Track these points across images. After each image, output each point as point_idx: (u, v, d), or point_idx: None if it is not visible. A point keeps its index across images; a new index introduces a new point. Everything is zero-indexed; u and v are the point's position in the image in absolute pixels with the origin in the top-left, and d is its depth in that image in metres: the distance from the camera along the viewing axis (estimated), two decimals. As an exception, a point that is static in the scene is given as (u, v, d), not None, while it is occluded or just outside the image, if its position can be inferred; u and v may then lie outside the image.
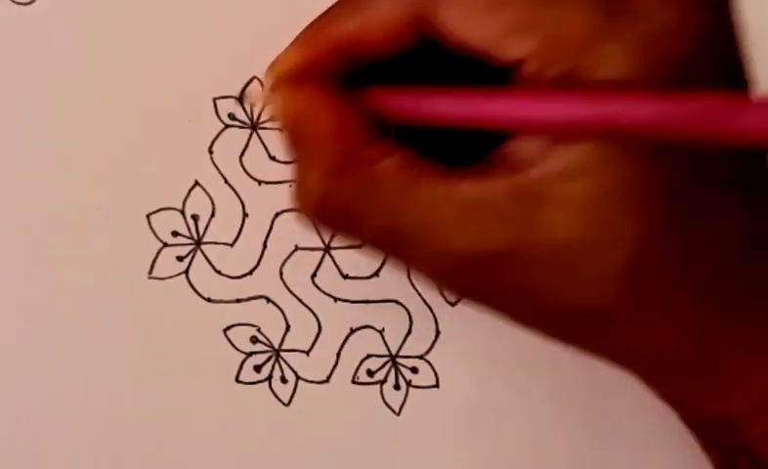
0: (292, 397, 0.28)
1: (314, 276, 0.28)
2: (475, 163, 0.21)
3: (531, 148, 0.20)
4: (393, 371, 0.28)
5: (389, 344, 0.28)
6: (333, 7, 0.23)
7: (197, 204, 0.28)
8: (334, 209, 0.22)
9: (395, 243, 0.22)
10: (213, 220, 0.28)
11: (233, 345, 0.28)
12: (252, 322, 0.28)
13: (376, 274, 0.28)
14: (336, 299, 0.28)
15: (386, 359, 0.28)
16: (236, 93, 0.28)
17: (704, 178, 0.20)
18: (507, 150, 0.20)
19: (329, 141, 0.22)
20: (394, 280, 0.28)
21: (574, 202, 0.19)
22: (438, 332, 0.28)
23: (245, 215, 0.28)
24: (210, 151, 0.28)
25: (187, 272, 0.28)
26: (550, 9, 0.19)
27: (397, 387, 0.28)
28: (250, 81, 0.28)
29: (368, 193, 0.21)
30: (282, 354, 0.28)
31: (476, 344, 0.28)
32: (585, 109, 0.19)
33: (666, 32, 0.19)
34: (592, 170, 0.19)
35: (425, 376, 0.28)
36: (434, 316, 0.28)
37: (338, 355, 0.28)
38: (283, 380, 0.28)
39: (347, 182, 0.22)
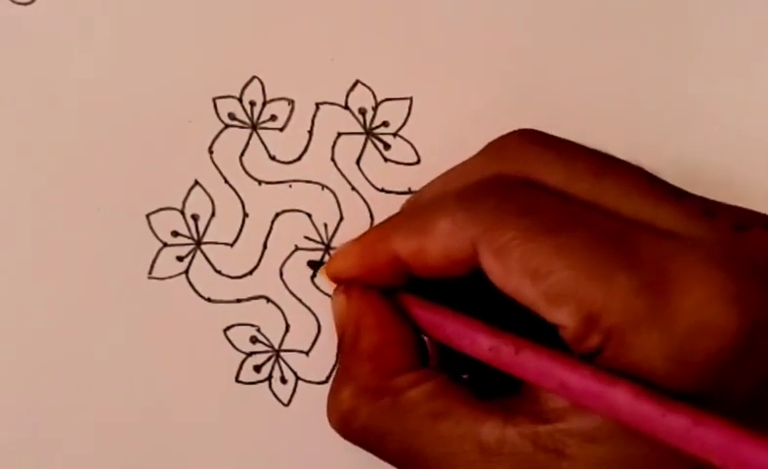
0: (292, 397, 0.28)
1: (314, 276, 0.28)
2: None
3: (559, 400, 0.20)
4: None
5: (389, 344, 0.28)
6: (399, 218, 0.24)
7: (197, 204, 0.28)
8: (357, 427, 0.23)
9: (414, 468, 0.22)
10: (213, 220, 0.28)
11: (233, 345, 0.28)
12: (252, 322, 0.28)
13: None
14: (336, 299, 0.28)
15: (386, 359, 0.28)
16: (237, 93, 0.28)
17: None
18: (538, 393, 0.21)
19: (368, 360, 0.23)
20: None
21: (592, 465, 0.20)
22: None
23: (245, 215, 0.28)
24: (210, 151, 0.28)
25: (187, 272, 0.28)
26: (594, 285, 0.19)
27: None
28: (250, 81, 0.28)
29: (392, 418, 0.22)
30: (282, 354, 0.28)
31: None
32: (600, 393, 0.19)
33: (708, 330, 0.19)
34: (615, 437, 0.19)
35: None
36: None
37: (338, 355, 0.28)
38: (283, 380, 0.28)
39: (374, 405, 0.22)
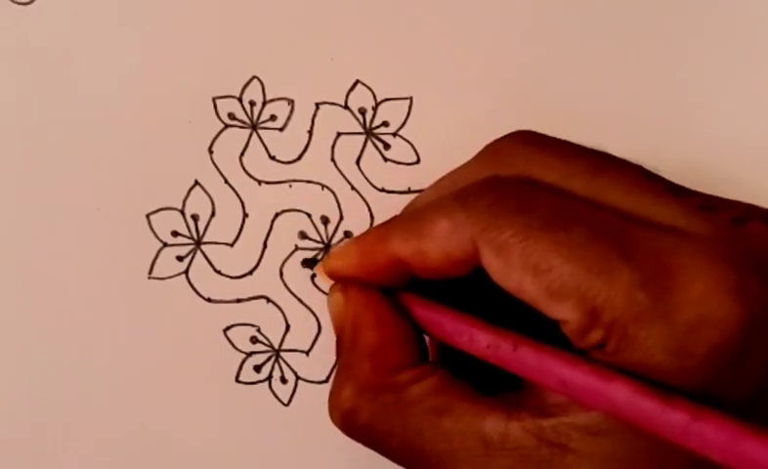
0: (292, 397, 0.28)
1: (314, 276, 0.28)
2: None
3: (562, 394, 0.20)
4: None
5: (389, 344, 0.28)
6: (397, 220, 0.24)
7: (197, 204, 0.28)
8: (360, 425, 0.23)
9: (417, 464, 0.22)
10: (213, 220, 0.28)
11: (233, 345, 0.28)
12: (252, 322, 0.28)
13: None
14: (336, 299, 0.28)
15: (386, 359, 0.28)
16: (237, 93, 0.28)
17: None
18: (541, 388, 0.21)
19: (368, 358, 0.23)
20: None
21: (597, 459, 0.20)
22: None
23: (245, 215, 0.28)
24: (210, 151, 0.28)
25: (187, 272, 0.28)
26: (596, 280, 0.19)
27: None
28: (250, 81, 0.28)
29: (395, 415, 0.22)
30: (282, 354, 0.28)
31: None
32: (599, 389, 0.19)
33: (710, 322, 0.19)
34: (619, 431, 0.19)
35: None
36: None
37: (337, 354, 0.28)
38: (283, 380, 0.28)
39: (376, 402, 0.22)
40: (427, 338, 0.24)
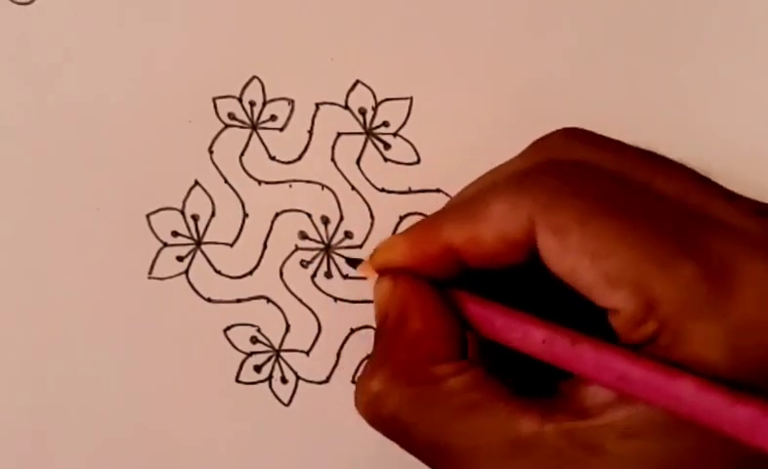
0: (292, 397, 0.28)
1: (314, 276, 0.28)
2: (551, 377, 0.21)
3: (598, 396, 0.20)
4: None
5: (389, 344, 0.28)
6: (448, 209, 0.23)
7: (197, 204, 0.28)
8: (386, 413, 0.22)
9: (439, 459, 0.22)
10: (213, 220, 0.28)
11: (233, 345, 0.28)
12: (252, 322, 0.28)
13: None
14: (336, 299, 0.28)
15: (386, 359, 0.28)
16: (237, 93, 0.28)
17: None
18: (576, 389, 0.20)
19: (408, 346, 0.22)
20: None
21: (629, 461, 0.19)
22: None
23: (245, 215, 0.28)
24: (210, 151, 0.28)
25: (187, 272, 0.28)
26: (657, 271, 0.19)
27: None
28: (250, 81, 0.28)
29: (426, 407, 0.21)
30: (282, 354, 0.28)
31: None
32: (662, 385, 0.19)
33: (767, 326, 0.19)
34: (654, 433, 0.19)
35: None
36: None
37: (338, 355, 0.28)
38: (283, 380, 0.28)
39: (405, 390, 0.22)
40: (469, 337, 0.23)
